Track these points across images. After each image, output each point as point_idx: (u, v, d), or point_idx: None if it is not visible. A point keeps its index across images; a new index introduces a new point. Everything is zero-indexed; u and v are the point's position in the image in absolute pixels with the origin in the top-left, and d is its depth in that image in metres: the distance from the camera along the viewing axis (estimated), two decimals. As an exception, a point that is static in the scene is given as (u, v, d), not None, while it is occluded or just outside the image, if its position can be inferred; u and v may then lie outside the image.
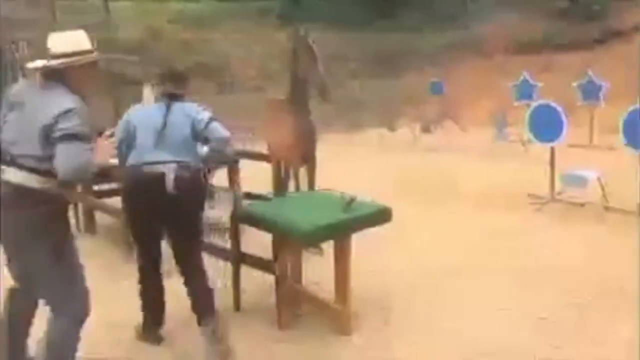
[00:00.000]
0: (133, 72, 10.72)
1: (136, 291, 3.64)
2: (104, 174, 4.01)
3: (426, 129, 10.70)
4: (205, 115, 3.48)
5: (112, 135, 3.30)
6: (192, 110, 3.49)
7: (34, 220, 2.69)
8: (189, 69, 13.65)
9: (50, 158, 2.64)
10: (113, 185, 5.41)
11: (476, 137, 9.87)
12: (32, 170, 2.67)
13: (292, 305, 3.84)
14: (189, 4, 18.48)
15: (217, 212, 4.70)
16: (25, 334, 3.06)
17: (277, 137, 5.31)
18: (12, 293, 3.02)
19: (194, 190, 3.43)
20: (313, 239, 3.75)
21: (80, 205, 5.95)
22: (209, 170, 3.62)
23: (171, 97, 3.55)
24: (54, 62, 2.76)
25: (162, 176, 3.30)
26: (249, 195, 4.93)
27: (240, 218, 3.97)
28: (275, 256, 3.78)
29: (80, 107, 2.71)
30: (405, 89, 13.63)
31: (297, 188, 5.49)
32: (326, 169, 5.58)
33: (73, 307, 2.85)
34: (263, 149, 5.50)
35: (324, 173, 5.44)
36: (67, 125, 2.63)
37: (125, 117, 3.62)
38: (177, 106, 3.50)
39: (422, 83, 12.05)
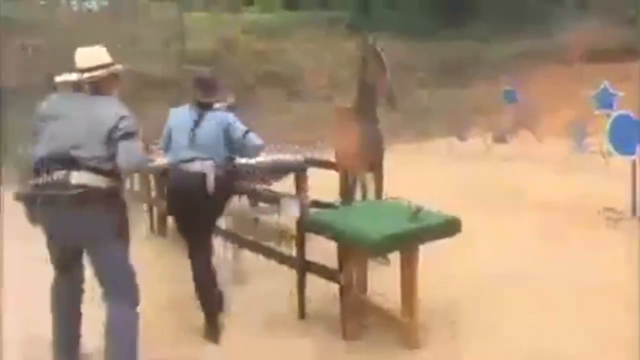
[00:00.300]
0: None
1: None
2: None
3: (501, 139, 10.39)
4: (242, 125, 3.75)
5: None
6: (227, 118, 3.75)
7: (103, 215, 2.95)
8: (260, 78, 14.00)
9: (112, 157, 2.94)
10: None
11: (553, 148, 9.49)
12: (97, 171, 2.93)
13: (358, 316, 3.80)
14: (263, 14, 18.83)
15: (282, 218, 4.73)
16: (77, 327, 3.26)
17: (344, 144, 5.30)
18: (55, 291, 3.23)
19: (224, 188, 3.71)
20: (381, 249, 3.69)
21: (155, 210, 6.17)
22: (235, 170, 3.88)
23: (201, 106, 3.74)
24: (87, 75, 3.06)
25: (203, 177, 3.54)
26: (317, 204, 4.94)
27: (306, 226, 3.99)
28: (341, 265, 3.76)
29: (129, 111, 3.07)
30: (473, 98, 13.37)
31: (364, 196, 5.45)
32: (394, 178, 5.51)
33: (131, 290, 3.10)
34: (331, 156, 5.49)
35: (392, 182, 5.36)
36: (127, 124, 2.98)
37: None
38: (208, 114, 3.73)
39: (491, 92, 11.78)
